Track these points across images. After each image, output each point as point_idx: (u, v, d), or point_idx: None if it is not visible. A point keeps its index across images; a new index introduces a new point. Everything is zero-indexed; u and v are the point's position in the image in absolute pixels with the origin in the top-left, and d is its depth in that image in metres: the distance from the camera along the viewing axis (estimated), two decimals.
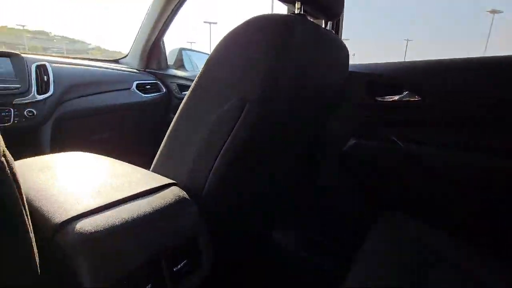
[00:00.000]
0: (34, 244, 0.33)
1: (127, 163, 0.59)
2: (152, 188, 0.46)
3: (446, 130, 0.77)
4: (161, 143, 0.58)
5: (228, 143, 0.50)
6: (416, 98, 0.79)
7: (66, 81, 1.10)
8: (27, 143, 1.00)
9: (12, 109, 0.93)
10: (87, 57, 1.41)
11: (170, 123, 0.56)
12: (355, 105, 0.90)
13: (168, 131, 0.57)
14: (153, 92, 1.45)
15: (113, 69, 1.35)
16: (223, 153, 0.51)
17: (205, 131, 0.51)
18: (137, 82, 1.38)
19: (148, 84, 1.44)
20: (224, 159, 0.51)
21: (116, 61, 1.62)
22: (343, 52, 0.69)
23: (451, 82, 0.73)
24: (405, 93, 0.82)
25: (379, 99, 0.86)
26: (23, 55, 1.01)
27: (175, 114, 0.56)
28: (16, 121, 0.94)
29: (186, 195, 0.49)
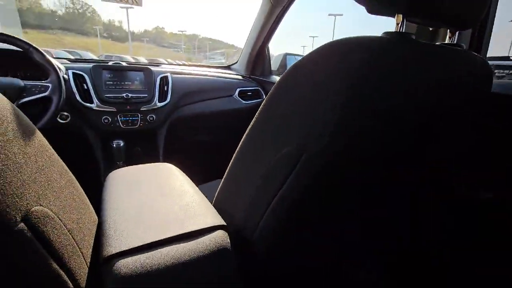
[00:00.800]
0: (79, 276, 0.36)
1: (195, 188, 0.60)
2: (198, 230, 0.44)
3: None
4: None
5: (281, 194, 0.42)
6: None
7: (180, 90, 1.26)
8: (148, 143, 1.23)
9: (139, 114, 1.15)
10: (221, 56, 1.57)
11: None
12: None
13: (231, 161, 0.54)
14: (254, 99, 1.48)
15: (219, 77, 1.46)
16: (275, 203, 0.43)
17: (260, 175, 0.45)
18: (240, 89, 1.45)
19: (250, 91, 1.48)
20: (274, 212, 0.43)
21: (228, 67, 1.75)
22: (480, 73, 0.46)
23: None
24: None
25: None
26: (152, 68, 1.23)
27: None
28: (141, 124, 1.16)
29: (229, 244, 0.44)
